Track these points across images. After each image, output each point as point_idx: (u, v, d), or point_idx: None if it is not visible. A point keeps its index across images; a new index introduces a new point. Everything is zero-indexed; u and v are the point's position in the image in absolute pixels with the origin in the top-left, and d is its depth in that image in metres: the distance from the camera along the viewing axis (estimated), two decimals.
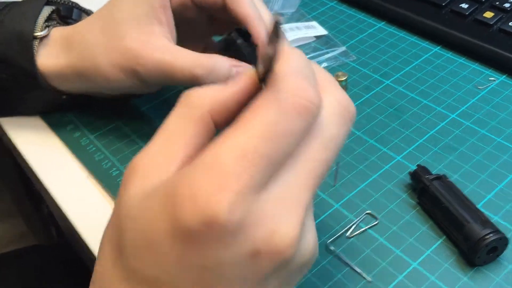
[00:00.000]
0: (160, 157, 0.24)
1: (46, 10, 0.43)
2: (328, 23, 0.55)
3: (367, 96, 0.46)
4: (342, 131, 0.25)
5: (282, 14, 0.56)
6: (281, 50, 0.23)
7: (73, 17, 0.45)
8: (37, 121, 0.47)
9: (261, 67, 0.24)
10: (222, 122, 0.25)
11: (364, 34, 0.53)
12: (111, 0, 0.42)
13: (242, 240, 0.21)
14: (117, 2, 0.41)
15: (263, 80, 0.24)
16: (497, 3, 0.50)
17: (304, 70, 0.24)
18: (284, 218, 0.22)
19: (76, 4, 0.46)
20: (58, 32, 0.43)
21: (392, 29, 0.53)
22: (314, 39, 0.53)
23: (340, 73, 0.43)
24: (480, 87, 0.46)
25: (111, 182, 0.41)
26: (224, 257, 0.22)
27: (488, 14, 0.49)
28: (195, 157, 0.23)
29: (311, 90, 0.23)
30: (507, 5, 0.49)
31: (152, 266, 0.23)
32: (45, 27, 0.42)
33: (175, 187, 0.22)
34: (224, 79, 0.38)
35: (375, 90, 0.47)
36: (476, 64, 0.48)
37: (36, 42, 0.42)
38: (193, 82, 0.38)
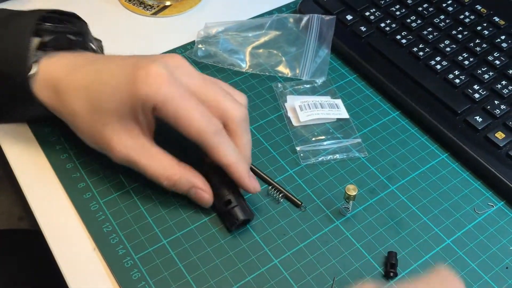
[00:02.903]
0: None
1: (32, 44, 0.45)
2: (345, 101, 0.56)
3: (371, 201, 0.48)
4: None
5: (313, 82, 0.57)
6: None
7: (61, 47, 0.47)
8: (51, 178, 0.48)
9: None
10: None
11: (378, 123, 0.54)
12: (102, 70, 0.44)
13: None
14: (106, 82, 0.43)
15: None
16: (510, 123, 0.51)
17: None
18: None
19: (66, 25, 0.48)
20: (46, 70, 0.45)
21: (405, 122, 0.54)
22: (335, 120, 0.54)
23: (351, 187, 0.45)
24: (478, 212, 0.48)
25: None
26: None
27: (500, 135, 0.51)
28: None
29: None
30: None
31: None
32: (34, 60, 0.44)
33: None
34: (183, 192, 0.45)
35: (379, 196, 0.48)
36: (479, 182, 0.50)
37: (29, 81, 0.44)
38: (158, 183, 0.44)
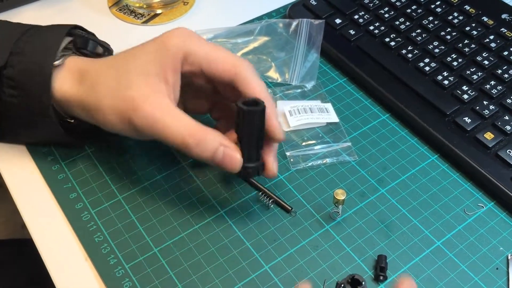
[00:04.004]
0: None
1: (64, 42, 0.47)
2: (335, 105, 0.56)
3: (361, 204, 0.48)
4: None
5: (303, 87, 0.57)
6: None
7: (88, 48, 0.49)
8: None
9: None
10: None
11: (368, 126, 0.54)
12: (129, 51, 0.45)
13: None
14: (133, 54, 0.45)
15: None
16: (499, 123, 0.51)
17: None
18: None
19: (93, 36, 0.51)
20: (74, 62, 0.46)
21: (395, 125, 0.55)
22: (325, 124, 0.54)
23: (339, 192, 0.45)
24: (468, 213, 0.48)
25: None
26: None
27: (489, 135, 0.51)
28: None
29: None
30: (508, 127, 0.51)
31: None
32: (61, 56, 0.46)
33: None
34: (210, 153, 0.42)
35: (369, 199, 0.49)
36: (469, 184, 0.50)
37: (52, 71, 0.45)
38: (180, 147, 0.42)
